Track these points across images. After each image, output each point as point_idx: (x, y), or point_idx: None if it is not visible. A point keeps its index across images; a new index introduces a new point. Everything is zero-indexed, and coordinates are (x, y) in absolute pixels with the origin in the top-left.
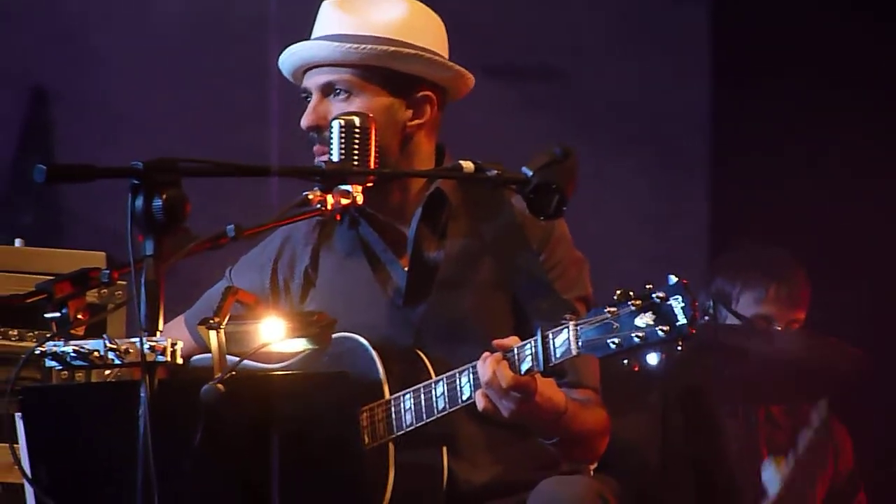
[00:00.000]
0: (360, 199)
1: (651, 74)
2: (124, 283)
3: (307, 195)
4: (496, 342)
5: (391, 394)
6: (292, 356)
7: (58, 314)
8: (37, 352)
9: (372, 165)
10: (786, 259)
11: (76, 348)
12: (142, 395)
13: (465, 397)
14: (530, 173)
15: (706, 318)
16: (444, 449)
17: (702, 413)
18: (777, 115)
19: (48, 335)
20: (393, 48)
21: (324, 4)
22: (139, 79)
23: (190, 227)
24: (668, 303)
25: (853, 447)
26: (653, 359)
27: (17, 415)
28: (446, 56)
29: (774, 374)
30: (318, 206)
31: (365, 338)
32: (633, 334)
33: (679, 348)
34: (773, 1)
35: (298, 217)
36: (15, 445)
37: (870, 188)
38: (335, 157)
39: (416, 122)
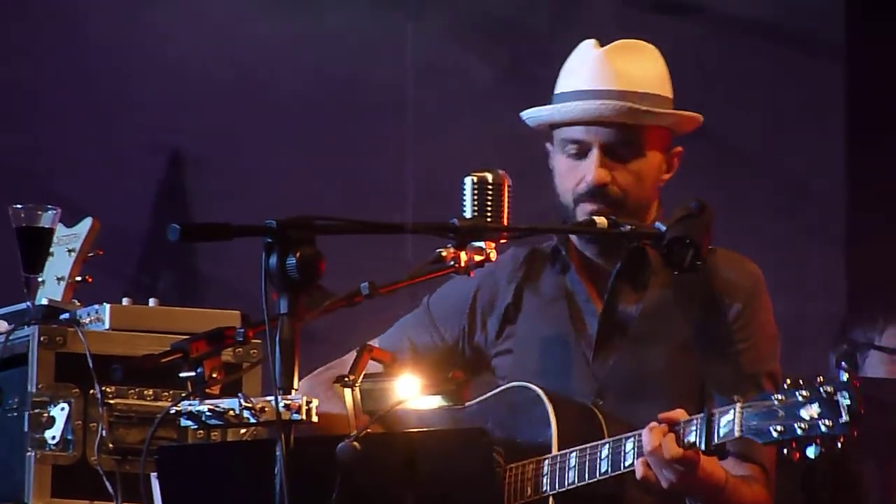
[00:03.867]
0: (493, 256)
1: (786, 126)
2: (259, 341)
3: (440, 252)
4: (662, 415)
5: (559, 449)
6: (469, 402)
7: (193, 373)
8: (172, 411)
9: (505, 221)
10: None
11: (211, 407)
12: (277, 453)
13: (627, 463)
14: (664, 228)
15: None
16: None
17: (844, 467)
18: None
19: (184, 394)
20: (681, 112)
21: (592, 51)
22: (275, 147)
23: (325, 286)
24: (836, 398)
25: None
26: (812, 452)
27: (153, 475)
28: None
29: None
30: (452, 262)
31: (546, 388)
32: (796, 424)
33: (839, 445)
34: None
35: (433, 274)
36: None
37: None
38: (468, 214)
39: (667, 176)
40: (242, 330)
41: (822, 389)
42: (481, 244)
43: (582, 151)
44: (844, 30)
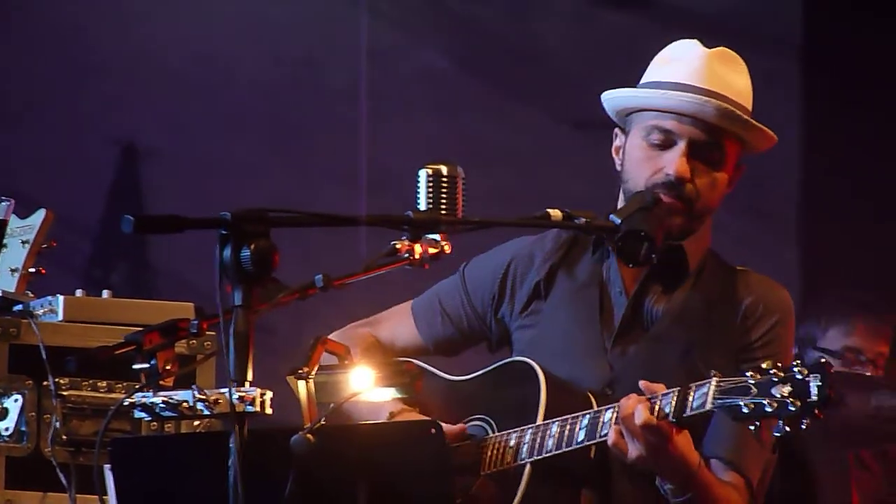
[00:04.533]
0: (447, 249)
1: None
2: (213, 333)
3: (395, 244)
4: (643, 384)
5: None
6: (472, 374)
7: (147, 365)
8: (126, 403)
9: (459, 214)
10: (869, 295)
11: (165, 399)
12: (232, 445)
13: (603, 433)
14: (618, 221)
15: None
16: (583, 493)
17: (795, 456)
18: (870, 167)
19: (137, 386)
20: (766, 129)
21: (698, 49)
22: (229, 137)
23: (279, 278)
24: (807, 379)
25: None
26: (777, 430)
27: (107, 466)
28: None
29: (871, 421)
30: (406, 255)
31: (554, 369)
32: (766, 402)
33: (803, 426)
34: (864, 50)
35: (387, 266)
36: (104, 497)
37: None
38: (422, 206)
39: (729, 191)
40: (196, 322)
41: (796, 370)
42: (436, 237)
43: (667, 143)
44: (800, 24)
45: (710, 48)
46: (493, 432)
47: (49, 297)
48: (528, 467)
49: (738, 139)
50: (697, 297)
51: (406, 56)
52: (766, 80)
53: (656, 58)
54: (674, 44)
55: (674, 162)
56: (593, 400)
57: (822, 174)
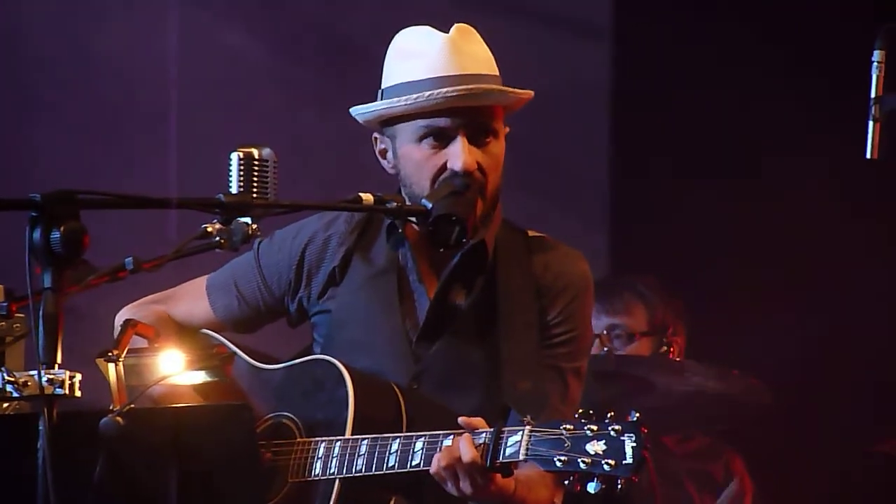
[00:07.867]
0: (257, 231)
1: (552, 106)
2: (23, 315)
3: (206, 227)
4: (463, 420)
5: (353, 433)
6: (277, 365)
7: None
8: None
9: (272, 198)
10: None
11: None
12: (41, 428)
13: (414, 462)
14: (430, 205)
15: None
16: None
17: None
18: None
19: None
20: (528, 91)
21: (438, 36)
22: (38, 118)
23: (89, 260)
24: (622, 438)
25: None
26: (592, 488)
27: None
28: None
29: (676, 405)
30: (217, 238)
31: (355, 365)
32: (580, 459)
33: (619, 487)
34: (673, 26)
35: (198, 250)
36: None
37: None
38: (234, 189)
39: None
40: (6, 304)
41: (610, 428)
42: (248, 220)
43: (444, 139)
44: (610, 11)
45: (441, 30)
46: (300, 433)
47: None
48: (337, 482)
49: (502, 107)
50: (496, 285)
51: (216, 38)
52: (577, 64)
53: (393, 53)
54: (405, 35)
55: (458, 156)
56: (400, 398)
57: (630, 153)
